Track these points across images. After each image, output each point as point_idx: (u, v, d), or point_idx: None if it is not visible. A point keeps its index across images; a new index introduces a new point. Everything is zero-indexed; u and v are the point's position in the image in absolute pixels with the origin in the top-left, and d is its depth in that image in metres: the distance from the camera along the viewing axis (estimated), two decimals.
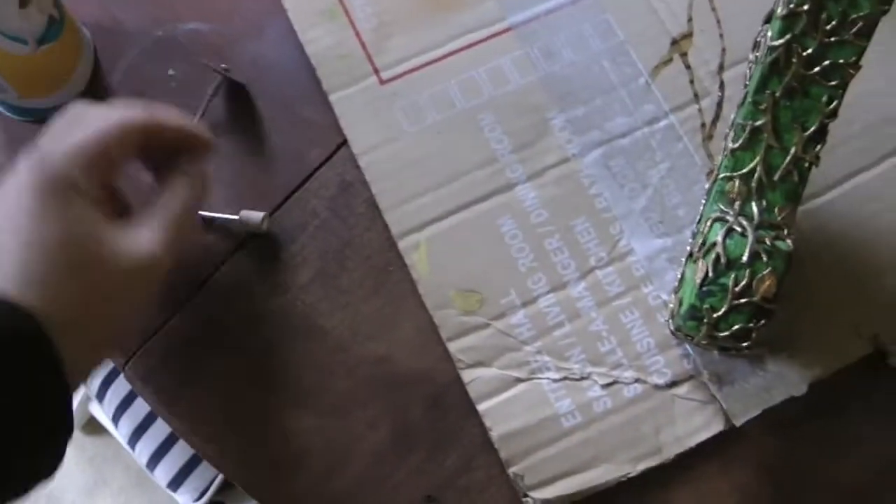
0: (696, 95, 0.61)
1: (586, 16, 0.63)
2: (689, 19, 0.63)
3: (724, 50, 0.62)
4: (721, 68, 0.61)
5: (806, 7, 0.48)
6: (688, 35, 0.62)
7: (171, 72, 0.64)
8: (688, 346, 0.56)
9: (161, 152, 0.52)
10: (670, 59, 0.62)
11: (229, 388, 0.58)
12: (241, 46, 0.65)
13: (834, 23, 0.48)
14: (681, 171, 0.60)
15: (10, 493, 0.42)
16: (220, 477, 0.89)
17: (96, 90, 0.64)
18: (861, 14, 0.48)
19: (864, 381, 0.58)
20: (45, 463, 0.44)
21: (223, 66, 0.62)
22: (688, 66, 0.61)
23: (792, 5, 0.48)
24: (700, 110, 0.60)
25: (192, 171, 0.52)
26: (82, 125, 0.47)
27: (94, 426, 1.26)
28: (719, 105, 0.60)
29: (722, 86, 0.60)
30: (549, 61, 0.62)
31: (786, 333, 0.56)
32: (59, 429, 0.43)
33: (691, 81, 0.61)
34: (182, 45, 0.65)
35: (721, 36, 0.62)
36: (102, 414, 1.00)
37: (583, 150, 0.60)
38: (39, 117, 0.63)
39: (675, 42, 0.62)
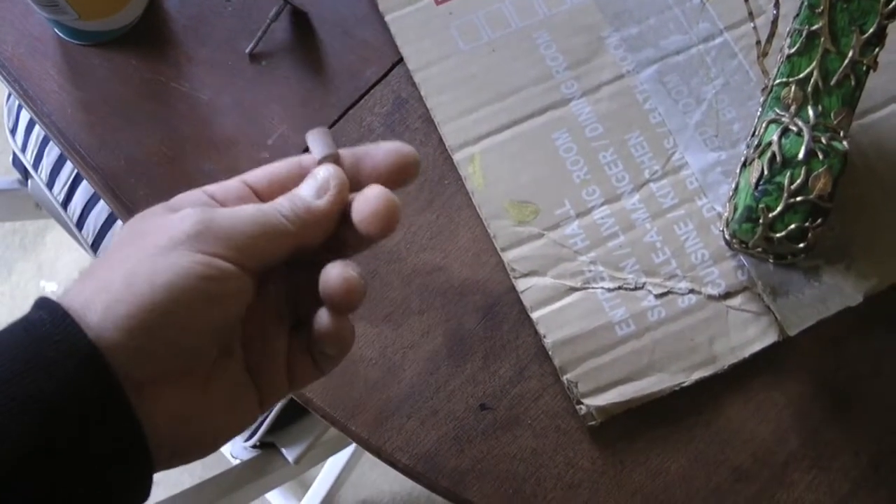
0: (750, 14, 0.61)
1: None
2: None
3: None
4: None
5: None
6: None
7: None
8: (742, 258, 0.56)
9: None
10: None
11: None
12: None
13: None
14: (736, 87, 0.60)
15: None
16: (271, 417, 0.90)
17: (154, 14, 0.65)
18: None
19: None
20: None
21: None
22: None
23: None
24: (755, 28, 0.60)
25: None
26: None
27: None
28: (774, 23, 0.60)
29: (777, 4, 0.60)
30: None
31: (841, 245, 0.56)
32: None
33: (746, 0, 0.61)
34: None
35: None
36: None
37: (637, 66, 0.61)
38: (96, 41, 0.64)
39: None
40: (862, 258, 0.56)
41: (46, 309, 0.36)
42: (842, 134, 0.52)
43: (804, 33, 0.52)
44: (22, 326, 0.36)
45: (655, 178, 0.58)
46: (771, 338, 0.55)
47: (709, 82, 0.60)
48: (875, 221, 0.57)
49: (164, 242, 0.37)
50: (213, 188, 0.43)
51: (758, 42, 0.60)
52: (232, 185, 0.43)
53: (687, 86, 0.60)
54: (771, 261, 0.56)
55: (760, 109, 0.56)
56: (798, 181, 0.50)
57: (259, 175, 0.44)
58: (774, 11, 0.60)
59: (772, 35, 0.59)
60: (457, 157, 0.59)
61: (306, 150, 0.44)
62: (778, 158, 0.51)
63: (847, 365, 0.57)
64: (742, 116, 0.59)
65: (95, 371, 0.35)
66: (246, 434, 0.91)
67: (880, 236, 0.57)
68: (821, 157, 0.50)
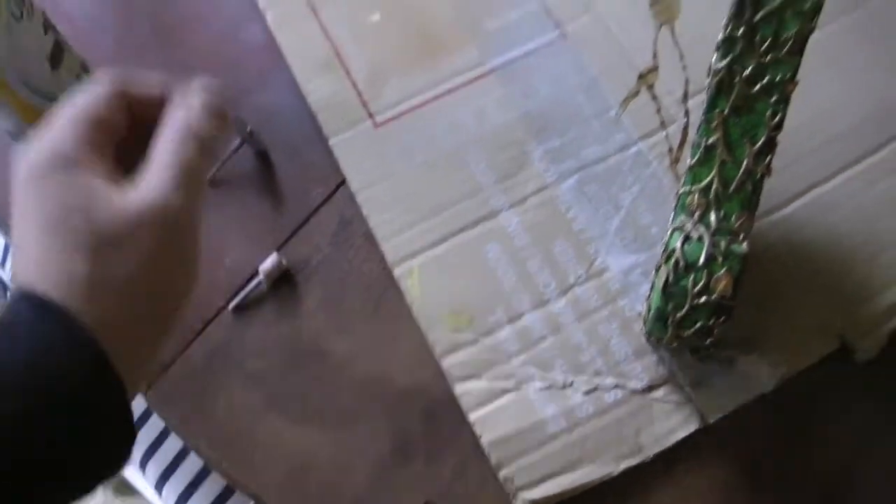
0: (662, 123, 0.66)
1: (559, 56, 0.69)
2: (654, 54, 0.68)
3: (687, 80, 0.67)
4: (685, 97, 0.66)
5: (741, 31, 0.53)
6: (653, 69, 0.68)
7: None
8: (663, 352, 0.61)
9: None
10: (638, 91, 0.67)
11: (243, 406, 0.63)
12: (248, 97, 0.71)
13: (767, 43, 0.53)
14: (651, 193, 0.65)
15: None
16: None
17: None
18: (790, 33, 0.52)
19: (832, 377, 0.61)
20: (107, 463, 0.41)
21: (249, 129, 0.68)
22: (654, 97, 0.67)
23: (729, 30, 0.53)
24: (667, 136, 0.65)
25: (183, 103, 0.46)
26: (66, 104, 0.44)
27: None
28: (685, 131, 0.65)
29: (686, 113, 0.65)
30: (527, 98, 0.68)
31: (755, 335, 0.61)
32: (120, 426, 0.40)
33: (658, 111, 0.66)
34: None
35: (684, 67, 0.67)
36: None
37: (560, 177, 0.65)
38: None
39: (641, 76, 0.68)
40: (774, 346, 0.60)
41: (47, 314, 0.38)
42: (742, 236, 0.56)
43: (702, 146, 0.57)
44: (28, 331, 0.38)
45: (580, 283, 0.63)
46: (693, 425, 0.59)
47: (626, 189, 0.65)
48: (785, 311, 0.61)
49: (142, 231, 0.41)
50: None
51: (670, 149, 0.65)
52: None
53: (606, 193, 0.65)
54: (689, 354, 0.60)
55: (673, 214, 0.61)
56: (700, 284, 0.54)
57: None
58: (685, 120, 0.65)
59: (683, 142, 0.64)
60: (397, 271, 0.64)
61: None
62: (681, 264, 0.55)
63: (764, 447, 0.61)
64: (658, 220, 0.64)
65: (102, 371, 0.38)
66: None
67: (790, 325, 0.61)
68: (720, 260, 0.54)
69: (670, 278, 0.55)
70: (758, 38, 0.53)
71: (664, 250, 0.57)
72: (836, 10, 0.68)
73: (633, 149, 0.66)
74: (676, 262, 0.55)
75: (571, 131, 0.67)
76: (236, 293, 0.65)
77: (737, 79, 0.54)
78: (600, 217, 0.64)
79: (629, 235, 0.64)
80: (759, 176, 0.56)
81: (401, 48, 0.71)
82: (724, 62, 0.54)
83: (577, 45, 0.69)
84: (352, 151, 0.67)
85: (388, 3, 0.72)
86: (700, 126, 0.57)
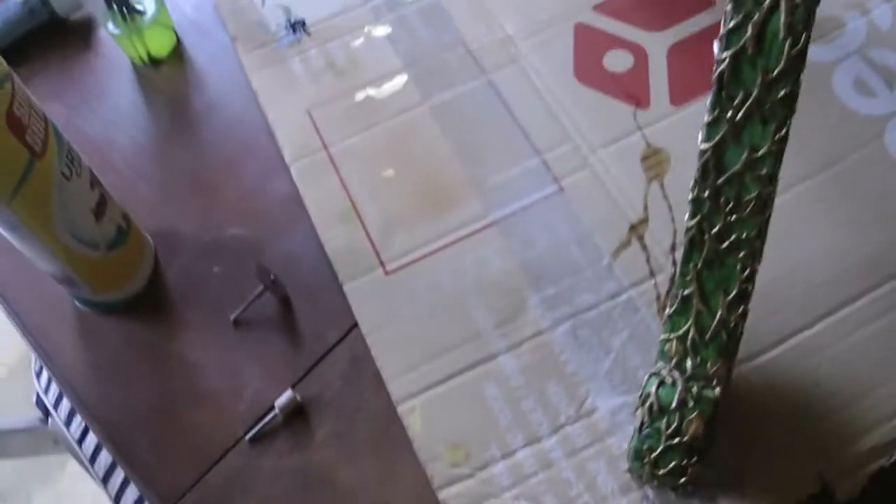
0: (651, 272, 0.70)
1: (557, 209, 0.75)
2: (645, 207, 0.73)
3: (675, 231, 0.72)
4: (673, 247, 0.71)
5: (707, 193, 0.58)
6: (643, 220, 0.73)
7: (215, 269, 0.77)
8: (647, 489, 0.64)
9: None
10: (629, 242, 0.72)
11: None
12: (273, 244, 0.78)
13: (731, 204, 0.57)
14: (639, 338, 0.69)
15: None
16: None
17: (155, 285, 0.77)
18: (751, 195, 0.57)
19: None
20: None
21: (273, 277, 0.74)
22: (644, 247, 0.72)
23: (696, 191, 0.58)
24: (656, 284, 0.70)
25: None
26: None
27: None
28: (672, 279, 0.69)
29: (674, 263, 0.70)
30: (525, 249, 0.73)
31: (737, 474, 0.64)
32: None
33: (647, 260, 0.71)
34: (225, 247, 0.78)
35: (672, 219, 0.72)
36: None
37: (554, 323, 0.70)
38: (108, 309, 0.76)
39: (632, 227, 0.73)
40: (754, 487, 0.63)
41: None
42: (715, 382, 0.60)
43: (679, 296, 0.61)
44: None
45: (570, 422, 0.67)
46: None
47: (616, 334, 0.69)
48: (767, 452, 0.64)
49: None
50: None
51: (658, 296, 0.69)
52: None
53: (598, 338, 0.69)
54: (671, 491, 0.63)
55: (656, 359, 0.65)
56: (673, 426, 0.58)
57: None
58: (673, 269, 0.69)
59: (670, 290, 0.69)
60: (401, 408, 0.68)
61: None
62: (655, 406, 0.59)
63: None
64: (645, 363, 0.68)
65: None
66: None
67: (772, 466, 0.64)
68: (691, 404, 0.58)
69: (645, 420, 0.59)
70: (722, 199, 0.57)
71: (641, 393, 0.61)
72: (805, 174, 0.74)
73: (624, 296, 0.70)
74: (651, 405, 0.59)
75: (566, 280, 0.71)
76: (253, 425, 0.70)
77: (706, 236, 0.59)
78: (591, 360, 0.68)
79: (618, 378, 0.68)
80: (733, 325, 0.60)
81: (411, 202, 0.77)
82: (695, 221, 0.59)
83: (573, 198, 0.75)
84: (363, 296, 0.73)
85: (401, 160, 0.79)
86: (676, 278, 0.62)
